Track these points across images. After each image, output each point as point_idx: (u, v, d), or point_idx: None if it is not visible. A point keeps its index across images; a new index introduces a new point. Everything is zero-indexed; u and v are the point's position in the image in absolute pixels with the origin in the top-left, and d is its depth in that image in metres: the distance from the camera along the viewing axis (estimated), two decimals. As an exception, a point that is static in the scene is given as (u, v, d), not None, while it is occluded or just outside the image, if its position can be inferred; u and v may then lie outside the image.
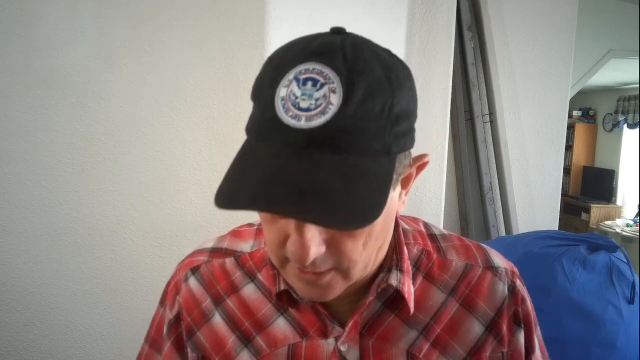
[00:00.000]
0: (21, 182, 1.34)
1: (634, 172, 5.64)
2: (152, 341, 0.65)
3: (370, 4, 1.61)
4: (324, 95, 0.40)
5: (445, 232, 0.64)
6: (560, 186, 2.21)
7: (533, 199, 2.11)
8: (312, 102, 0.40)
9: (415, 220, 0.64)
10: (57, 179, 1.37)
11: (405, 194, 0.53)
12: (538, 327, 0.63)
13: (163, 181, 1.45)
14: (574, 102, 5.89)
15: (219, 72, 1.47)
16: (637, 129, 5.78)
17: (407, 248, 0.58)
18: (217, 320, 0.59)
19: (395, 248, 0.57)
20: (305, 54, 0.42)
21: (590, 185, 6.46)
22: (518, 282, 0.61)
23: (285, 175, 0.39)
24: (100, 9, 1.35)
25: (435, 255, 0.60)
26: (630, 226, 5.37)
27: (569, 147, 6.46)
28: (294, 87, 0.41)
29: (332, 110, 0.40)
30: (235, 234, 0.66)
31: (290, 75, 0.42)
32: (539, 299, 1.48)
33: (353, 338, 0.55)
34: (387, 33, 1.66)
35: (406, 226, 0.61)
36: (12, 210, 1.34)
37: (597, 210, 5.99)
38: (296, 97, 0.41)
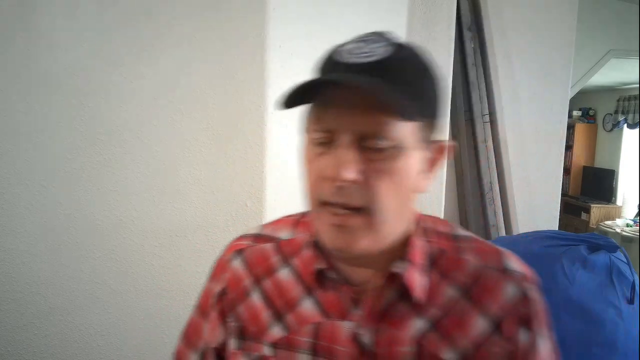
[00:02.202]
0: (21, 182, 1.34)
1: (634, 172, 5.63)
2: (201, 309, 0.75)
3: (371, 3, 1.61)
4: (381, 47, 0.54)
5: (468, 234, 0.68)
6: (560, 186, 2.21)
7: (533, 199, 2.11)
8: (369, 50, 0.54)
9: (443, 222, 0.70)
10: (57, 179, 1.37)
11: (430, 178, 0.61)
12: (550, 333, 0.66)
13: (163, 181, 1.45)
14: (574, 102, 5.88)
15: (219, 72, 1.47)
16: (637, 129, 5.78)
17: (425, 244, 0.64)
18: (255, 297, 0.68)
19: (407, 241, 0.62)
20: (365, 35, 0.57)
21: (590, 185, 6.45)
22: (530, 287, 0.64)
23: (344, 75, 0.54)
24: (100, 9, 1.35)
25: (452, 254, 0.64)
26: (630, 226, 5.37)
27: (569, 147, 6.45)
28: (353, 44, 0.56)
29: (385, 54, 0.54)
30: (277, 222, 0.74)
31: (351, 42, 0.56)
32: (539, 299, 1.48)
33: (369, 323, 0.61)
34: (387, 33, 1.66)
35: (430, 224, 0.67)
36: (12, 210, 1.34)
37: (597, 210, 5.99)
38: (353, 50, 0.55)
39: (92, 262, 1.42)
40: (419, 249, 0.63)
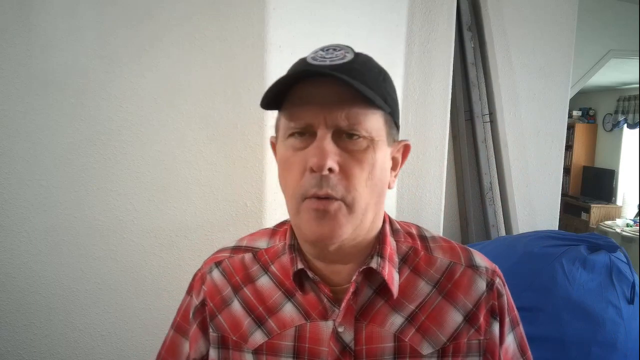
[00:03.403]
0: (21, 182, 1.34)
1: (634, 172, 5.64)
2: (178, 326, 0.75)
3: (371, 4, 1.61)
4: (342, 54, 0.60)
5: (435, 234, 0.72)
6: (560, 186, 2.21)
7: (533, 199, 2.11)
8: (332, 56, 0.60)
9: (409, 224, 0.73)
10: (57, 179, 1.37)
11: (395, 176, 0.66)
12: (518, 324, 0.70)
13: (163, 181, 1.45)
14: (574, 102, 5.89)
15: (219, 72, 1.47)
16: (637, 129, 5.78)
17: (397, 245, 0.68)
18: (236, 305, 0.69)
19: (379, 238, 0.66)
20: (324, 46, 0.62)
21: (590, 185, 6.45)
22: (497, 280, 0.68)
23: (318, 70, 0.58)
24: (100, 9, 1.35)
25: (422, 252, 0.68)
26: (630, 226, 5.37)
27: (569, 147, 6.46)
28: (319, 52, 0.61)
29: (347, 59, 0.59)
30: (254, 234, 0.76)
31: (316, 51, 0.61)
32: (539, 299, 1.48)
33: (349, 321, 0.63)
34: (387, 33, 1.66)
35: (399, 227, 0.71)
36: (12, 210, 1.34)
37: (597, 210, 5.99)
38: (321, 56, 0.60)
39: (92, 262, 1.42)
40: (391, 246, 0.67)
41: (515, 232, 2.02)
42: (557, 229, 2.16)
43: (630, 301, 1.46)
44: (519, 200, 2.08)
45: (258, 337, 0.66)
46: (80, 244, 1.40)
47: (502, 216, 2.05)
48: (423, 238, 0.71)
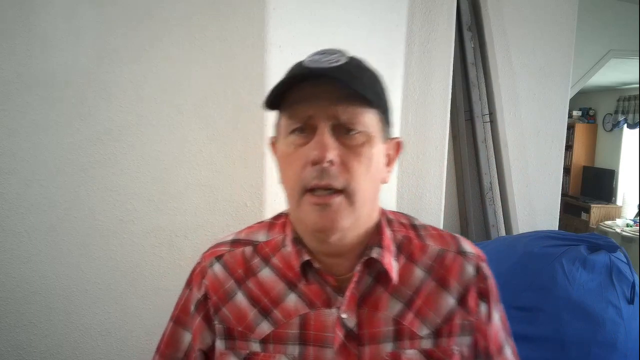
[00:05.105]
0: (21, 181, 1.34)
1: (634, 172, 5.63)
2: (177, 319, 0.77)
3: (371, 4, 1.60)
4: (336, 57, 0.63)
5: (425, 224, 0.77)
6: (560, 186, 2.21)
7: (533, 199, 2.11)
8: (328, 59, 0.63)
9: (398, 214, 0.77)
10: (57, 179, 1.37)
11: (389, 172, 0.70)
12: (500, 304, 0.75)
13: (163, 181, 1.45)
14: (574, 102, 5.89)
15: (219, 72, 1.47)
16: (637, 129, 5.78)
17: (393, 234, 0.72)
18: (240, 298, 0.71)
19: (377, 229, 0.70)
20: (319, 50, 0.65)
21: (590, 185, 6.45)
22: (484, 265, 0.73)
23: (320, 72, 0.62)
24: (100, 9, 1.35)
25: (415, 241, 0.73)
26: (630, 226, 5.37)
27: (569, 147, 6.45)
28: (315, 56, 0.64)
29: (342, 62, 0.63)
30: (251, 227, 0.80)
31: (312, 55, 0.64)
32: (539, 299, 1.48)
33: (351, 308, 0.67)
34: (387, 33, 1.66)
35: (391, 217, 0.75)
36: (12, 210, 1.34)
37: (597, 210, 5.99)
38: (317, 59, 0.63)
39: (92, 262, 1.42)
40: (388, 237, 0.71)
41: (515, 232, 2.03)
42: (557, 229, 2.16)
43: (630, 301, 1.47)
44: (519, 200, 2.08)
45: (265, 327, 0.68)
46: (80, 244, 1.40)
47: (502, 216, 2.05)
48: (414, 227, 0.75)
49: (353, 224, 0.64)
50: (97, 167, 1.39)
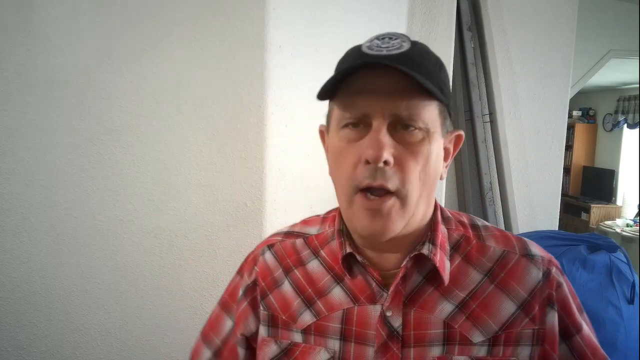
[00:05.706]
0: (21, 181, 1.34)
1: (634, 172, 5.63)
2: (224, 303, 0.78)
3: (371, 4, 1.61)
4: (398, 43, 0.59)
5: (488, 224, 0.72)
6: (560, 186, 2.21)
7: (533, 199, 2.11)
8: (389, 45, 0.58)
9: (460, 213, 0.73)
10: (57, 179, 1.37)
11: (446, 167, 0.66)
12: (584, 314, 0.69)
13: (163, 181, 1.45)
14: (574, 102, 5.89)
15: (219, 72, 1.47)
16: (637, 129, 5.78)
17: (448, 232, 0.68)
18: (286, 286, 0.71)
19: (431, 225, 0.66)
20: (380, 34, 0.61)
21: (590, 185, 6.45)
22: (554, 270, 0.67)
23: (378, 61, 0.57)
24: (100, 9, 1.35)
25: (474, 241, 0.68)
26: (630, 226, 5.37)
27: (569, 147, 6.45)
28: (375, 40, 0.60)
29: (404, 48, 0.58)
30: (305, 221, 0.78)
31: (371, 40, 0.60)
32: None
33: (397, 306, 0.63)
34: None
35: (450, 215, 0.71)
36: (12, 210, 1.34)
37: (597, 210, 5.99)
38: (378, 44, 0.59)
39: (92, 262, 1.42)
40: (443, 234, 0.66)
41: (515, 232, 2.02)
42: (557, 229, 2.16)
43: (630, 301, 1.47)
44: (519, 200, 2.08)
45: (307, 318, 0.67)
46: (80, 244, 1.40)
47: (502, 216, 2.05)
48: (475, 227, 0.70)
49: (405, 225, 0.61)
50: (97, 167, 1.39)
